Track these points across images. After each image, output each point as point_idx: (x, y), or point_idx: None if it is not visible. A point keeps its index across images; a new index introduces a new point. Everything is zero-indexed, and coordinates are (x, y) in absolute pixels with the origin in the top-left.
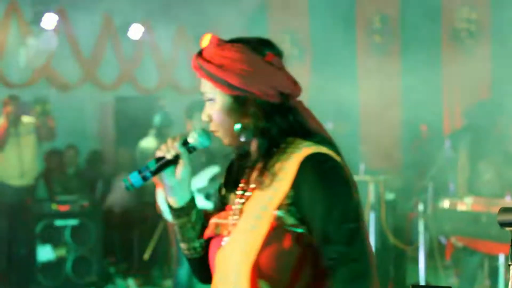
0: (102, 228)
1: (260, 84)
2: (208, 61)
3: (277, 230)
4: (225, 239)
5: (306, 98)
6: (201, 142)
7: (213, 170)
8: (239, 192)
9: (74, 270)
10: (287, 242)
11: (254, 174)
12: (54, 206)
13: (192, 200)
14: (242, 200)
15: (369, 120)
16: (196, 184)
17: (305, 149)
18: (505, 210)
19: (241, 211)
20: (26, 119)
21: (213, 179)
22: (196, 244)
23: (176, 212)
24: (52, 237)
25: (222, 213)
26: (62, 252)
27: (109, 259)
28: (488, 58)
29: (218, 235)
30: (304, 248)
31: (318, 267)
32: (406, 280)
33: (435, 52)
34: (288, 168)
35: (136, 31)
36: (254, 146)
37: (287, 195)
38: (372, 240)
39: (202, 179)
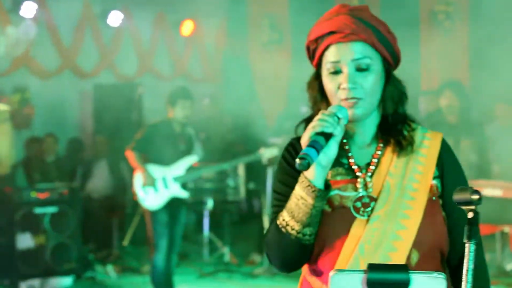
0: (81, 215)
1: (399, 57)
2: (380, 26)
3: (433, 201)
4: (358, 210)
5: (286, 81)
6: (346, 118)
7: (191, 159)
8: (355, 167)
9: (53, 258)
10: (440, 212)
11: (387, 146)
12: (34, 194)
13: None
14: (369, 173)
15: None
16: (173, 173)
17: (433, 132)
18: (460, 189)
19: (374, 183)
20: (1, 107)
21: (190, 168)
22: (316, 228)
23: (323, 194)
24: (32, 224)
25: (339, 185)
26: (41, 239)
27: (88, 246)
28: (465, 40)
29: (344, 207)
30: (444, 224)
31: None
32: None
33: (413, 34)
34: (429, 145)
35: (115, 18)
36: (399, 115)
37: (433, 169)
38: None
39: (180, 167)
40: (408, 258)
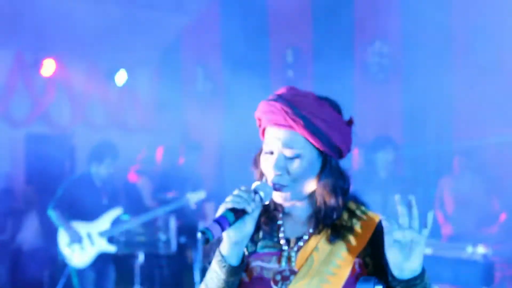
0: (11, 267)
1: (347, 146)
2: (314, 116)
3: (354, 278)
4: (277, 282)
5: (220, 133)
6: (269, 196)
7: (115, 212)
8: (298, 242)
9: None
10: None
11: (321, 226)
12: None
13: (243, 255)
14: (295, 248)
15: None
16: (98, 227)
17: (372, 214)
18: (364, 279)
19: (300, 259)
20: None
21: (115, 221)
22: None
23: (235, 270)
24: None
25: (264, 257)
26: None
27: None
28: (399, 93)
29: (264, 278)
30: None
31: None
32: None
33: (347, 86)
34: (364, 225)
35: (48, 67)
36: (338, 203)
37: (364, 248)
38: None
39: (105, 221)
40: None
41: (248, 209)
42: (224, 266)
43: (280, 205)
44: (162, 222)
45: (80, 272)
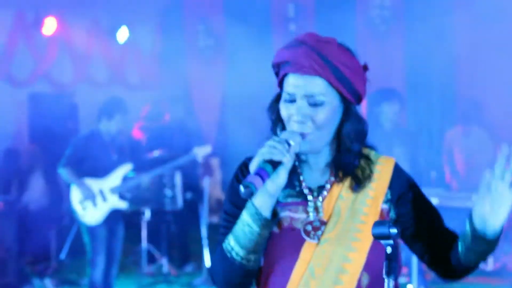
0: (18, 228)
1: (365, 91)
2: (340, 62)
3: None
4: (309, 232)
5: (222, 88)
6: (299, 144)
7: (125, 168)
8: (306, 190)
9: None
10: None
11: (340, 173)
12: None
13: (275, 208)
14: (320, 198)
15: None
16: (110, 183)
17: (386, 157)
18: (378, 223)
19: (324, 208)
20: None
21: (125, 177)
22: (261, 254)
23: (267, 221)
24: None
25: (291, 207)
26: None
27: (26, 259)
28: (401, 45)
29: (293, 228)
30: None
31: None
32: None
33: (349, 39)
34: (381, 170)
35: (49, 26)
36: (355, 150)
37: (385, 193)
38: None
39: (116, 177)
40: (359, 280)
41: (285, 160)
42: (260, 219)
43: (296, 154)
44: (168, 178)
45: (92, 230)
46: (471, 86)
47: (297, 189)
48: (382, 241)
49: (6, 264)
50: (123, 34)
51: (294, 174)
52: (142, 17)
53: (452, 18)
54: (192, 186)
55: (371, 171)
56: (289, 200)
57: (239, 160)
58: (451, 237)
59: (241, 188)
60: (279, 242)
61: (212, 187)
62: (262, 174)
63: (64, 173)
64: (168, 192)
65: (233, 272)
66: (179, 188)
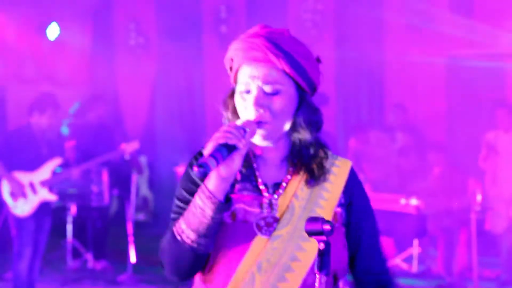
0: None
1: (319, 81)
2: (293, 51)
3: (335, 228)
4: (261, 228)
5: (151, 88)
6: (253, 135)
7: (55, 162)
8: (262, 186)
9: None
10: (341, 240)
11: (297, 170)
12: None
13: (229, 193)
14: (276, 195)
15: (216, 112)
16: (40, 177)
17: (343, 160)
18: (311, 219)
19: (277, 204)
20: None
21: (55, 171)
22: (212, 239)
23: (222, 206)
24: None
25: (246, 200)
26: None
27: None
28: (332, 49)
29: (246, 222)
30: (345, 250)
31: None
32: None
33: None
34: (337, 173)
35: None
36: (307, 137)
37: (339, 197)
38: None
39: (45, 171)
40: (305, 280)
41: (240, 145)
42: (214, 202)
43: (251, 148)
44: (95, 174)
45: (20, 221)
46: (398, 90)
47: (253, 183)
48: (315, 237)
49: None
50: (53, 31)
51: (250, 168)
52: (73, 14)
53: (383, 24)
54: (119, 182)
55: (327, 169)
56: (245, 192)
57: (167, 158)
58: (372, 266)
59: (195, 169)
60: (231, 233)
61: (139, 184)
62: (216, 156)
63: None
64: (94, 188)
65: (182, 255)
66: (106, 184)
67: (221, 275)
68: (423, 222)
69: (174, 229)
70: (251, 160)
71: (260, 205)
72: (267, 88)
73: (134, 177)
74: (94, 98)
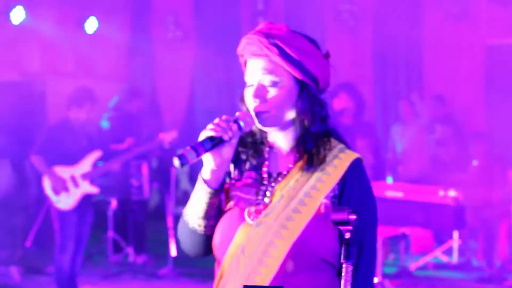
0: None
1: (323, 76)
2: (287, 44)
3: (319, 217)
4: (251, 214)
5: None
6: (249, 125)
7: (95, 155)
8: (265, 175)
9: None
10: (325, 232)
11: (300, 160)
12: None
13: (224, 181)
14: (273, 183)
15: None
16: (81, 170)
17: (350, 153)
18: (337, 209)
19: (274, 192)
20: None
21: (95, 163)
22: (215, 222)
23: (213, 193)
24: None
25: (244, 188)
26: None
27: None
28: (370, 39)
29: (240, 209)
30: (336, 243)
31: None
32: None
33: (319, 33)
34: (337, 165)
35: (18, 14)
36: (312, 133)
37: (333, 188)
38: None
39: (86, 164)
40: (283, 265)
41: (225, 137)
42: (204, 189)
43: (266, 139)
44: (135, 168)
45: (63, 215)
46: (437, 81)
47: (259, 172)
48: (341, 227)
49: None
50: (91, 25)
51: (261, 158)
52: (111, 8)
53: (421, 14)
54: (159, 176)
55: (327, 160)
56: (249, 181)
57: None
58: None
59: (174, 160)
60: (224, 218)
61: (179, 178)
62: (197, 148)
63: (35, 161)
64: (134, 181)
65: (187, 235)
66: (145, 178)
67: (218, 256)
68: (462, 214)
69: (183, 210)
70: (263, 150)
71: (257, 193)
72: (265, 80)
73: (174, 170)
74: (133, 92)
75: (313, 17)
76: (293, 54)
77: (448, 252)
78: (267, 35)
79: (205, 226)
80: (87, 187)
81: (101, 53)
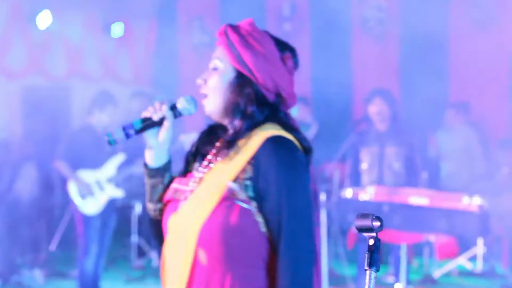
0: (9, 218)
1: (266, 73)
2: (235, 32)
3: (226, 202)
4: (181, 204)
5: None
6: (188, 109)
7: (119, 158)
8: (205, 162)
9: None
10: (233, 217)
11: (222, 147)
12: None
13: (168, 163)
14: (206, 170)
15: None
16: (106, 174)
17: (271, 131)
18: (361, 215)
19: (201, 180)
20: None
21: (120, 167)
22: (162, 206)
23: (151, 172)
24: None
25: (183, 179)
26: None
27: (16, 250)
28: (396, 46)
29: (175, 200)
30: (253, 229)
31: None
32: None
33: (345, 41)
34: (250, 144)
35: (44, 19)
36: (235, 124)
37: (244, 169)
38: None
39: (110, 168)
40: (197, 255)
41: (154, 117)
42: (144, 167)
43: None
44: None
45: (87, 219)
46: (462, 88)
47: (202, 161)
48: (365, 234)
49: None
50: (117, 29)
51: (211, 147)
52: (138, 13)
53: (448, 22)
54: None
55: (239, 145)
56: (193, 171)
57: None
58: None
59: (105, 138)
60: (166, 209)
61: None
62: (125, 128)
63: (60, 166)
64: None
65: (152, 228)
66: None
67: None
68: (486, 221)
69: None
70: (213, 140)
71: (190, 183)
72: (211, 65)
73: None
74: (158, 97)
75: (340, 23)
76: (235, 44)
77: (472, 259)
78: (225, 30)
79: (154, 210)
80: (112, 191)
81: (127, 57)
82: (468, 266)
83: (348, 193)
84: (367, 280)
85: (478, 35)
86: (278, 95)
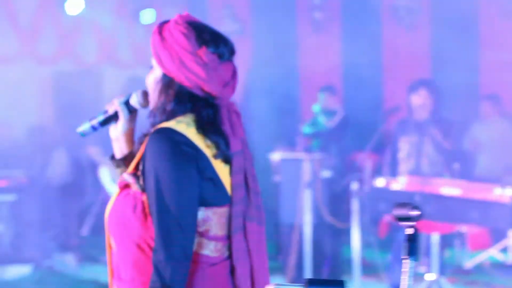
0: (40, 203)
1: (180, 72)
2: (158, 32)
3: (123, 193)
4: None
5: (245, 74)
6: (140, 103)
7: None
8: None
9: (12, 246)
10: (128, 207)
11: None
12: None
13: (130, 154)
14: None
15: (310, 98)
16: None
17: (166, 123)
18: (400, 205)
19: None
20: None
21: None
22: None
23: (115, 162)
24: None
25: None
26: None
27: (48, 234)
28: (427, 36)
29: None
30: (146, 218)
31: None
32: (341, 257)
33: (375, 29)
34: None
35: (75, 5)
36: (156, 120)
37: (139, 161)
38: (308, 217)
39: None
40: (110, 244)
41: (110, 111)
42: (110, 158)
43: None
44: None
45: None
46: (492, 78)
47: None
48: (404, 223)
49: (28, 239)
50: (148, 16)
51: None
52: (168, 0)
53: (479, 12)
54: None
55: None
56: None
57: (261, 145)
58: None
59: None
60: None
61: None
62: (91, 121)
63: (93, 152)
64: None
65: None
66: None
67: None
68: None
69: None
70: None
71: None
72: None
73: None
74: None
75: (369, 13)
76: (156, 45)
77: (504, 250)
78: (158, 24)
79: None
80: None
81: None
82: (500, 257)
83: (380, 182)
84: (406, 269)
85: (508, 25)
86: (201, 89)
